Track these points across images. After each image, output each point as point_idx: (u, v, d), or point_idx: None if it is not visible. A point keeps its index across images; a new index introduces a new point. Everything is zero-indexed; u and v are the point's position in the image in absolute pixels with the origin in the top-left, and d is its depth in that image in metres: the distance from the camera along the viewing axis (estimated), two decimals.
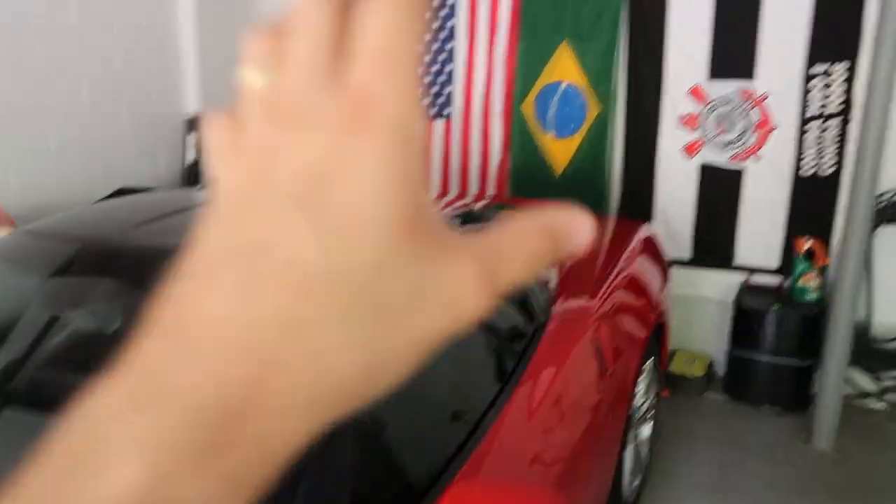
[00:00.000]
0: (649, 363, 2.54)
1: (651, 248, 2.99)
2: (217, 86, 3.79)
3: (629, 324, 2.51)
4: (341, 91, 0.20)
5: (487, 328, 1.73)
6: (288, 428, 0.20)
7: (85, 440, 0.19)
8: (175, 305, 0.21)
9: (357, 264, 0.20)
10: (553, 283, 2.32)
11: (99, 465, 0.19)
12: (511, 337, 1.90)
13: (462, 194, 3.88)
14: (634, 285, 2.69)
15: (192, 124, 3.76)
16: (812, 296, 3.04)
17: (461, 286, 0.22)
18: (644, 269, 2.86)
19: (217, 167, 0.22)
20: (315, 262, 0.20)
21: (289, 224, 0.20)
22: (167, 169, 3.75)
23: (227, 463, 0.19)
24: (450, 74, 3.96)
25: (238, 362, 0.20)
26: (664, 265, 2.99)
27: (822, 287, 3.03)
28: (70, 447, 0.19)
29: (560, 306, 2.24)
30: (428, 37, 0.23)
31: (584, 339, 2.15)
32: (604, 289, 2.48)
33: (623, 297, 2.56)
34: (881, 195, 2.84)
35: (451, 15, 3.89)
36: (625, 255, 2.77)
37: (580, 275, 2.56)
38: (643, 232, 3.01)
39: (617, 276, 2.61)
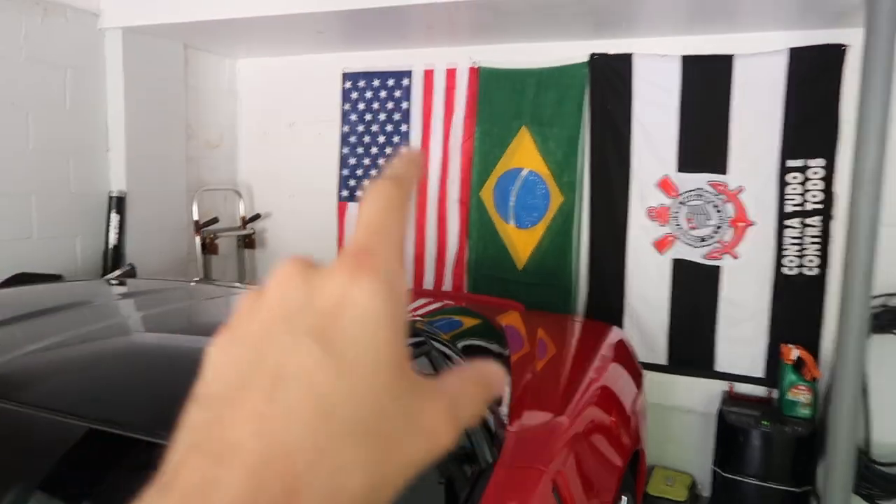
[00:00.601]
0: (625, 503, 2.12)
1: (623, 354, 2.64)
2: (142, 164, 3.45)
3: (602, 452, 2.11)
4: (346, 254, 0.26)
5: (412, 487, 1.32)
6: None
7: None
8: (204, 429, 0.23)
9: (366, 390, 0.23)
10: (505, 402, 1.92)
11: None
12: (447, 488, 1.48)
13: (415, 290, 3.53)
14: (607, 400, 2.31)
15: (117, 203, 3.38)
16: (803, 411, 2.69)
17: (436, 420, 0.25)
18: (617, 379, 2.50)
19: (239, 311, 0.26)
20: (333, 386, 0.23)
21: (307, 354, 0.23)
22: (86, 251, 3.34)
23: None
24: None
25: (267, 490, 0.21)
26: (638, 375, 2.63)
27: (815, 402, 2.70)
28: None
29: (517, 427, 1.85)
30: (409, 214, 0.28)
31: (544, 482, 1.74)
32: (573, 404, 2.10)
33: (595, 415, 2.18)
34: (873, 298, 2.55)
35: (405, 97, 3.65)
36: (595, 364, 2.41)
37: (542, 388, 2.19)
38: (613, 336, 2.67)
39: (587, 388, 2.24)
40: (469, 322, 2.41)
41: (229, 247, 4.13)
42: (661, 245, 3.11)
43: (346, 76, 3.81)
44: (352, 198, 3.85)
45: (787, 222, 2.84)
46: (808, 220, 2.80)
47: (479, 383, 0.27)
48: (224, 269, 4.16)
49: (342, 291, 0.24)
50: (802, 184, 2.79)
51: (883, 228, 2.25)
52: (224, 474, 0.21)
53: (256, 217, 4.11)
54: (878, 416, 2.71)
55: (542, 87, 3.29)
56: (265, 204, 4.19)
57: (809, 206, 2.79)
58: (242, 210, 4.10)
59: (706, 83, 2.93)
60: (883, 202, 2.23)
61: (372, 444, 0.22)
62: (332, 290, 0.24)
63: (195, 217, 3.73)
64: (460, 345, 2.01)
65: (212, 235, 3.75)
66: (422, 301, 2.54)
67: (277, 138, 4.09)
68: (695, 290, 3.06)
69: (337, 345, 0.23)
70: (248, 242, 4.07)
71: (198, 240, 3.73)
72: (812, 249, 2.81)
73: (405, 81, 3.65)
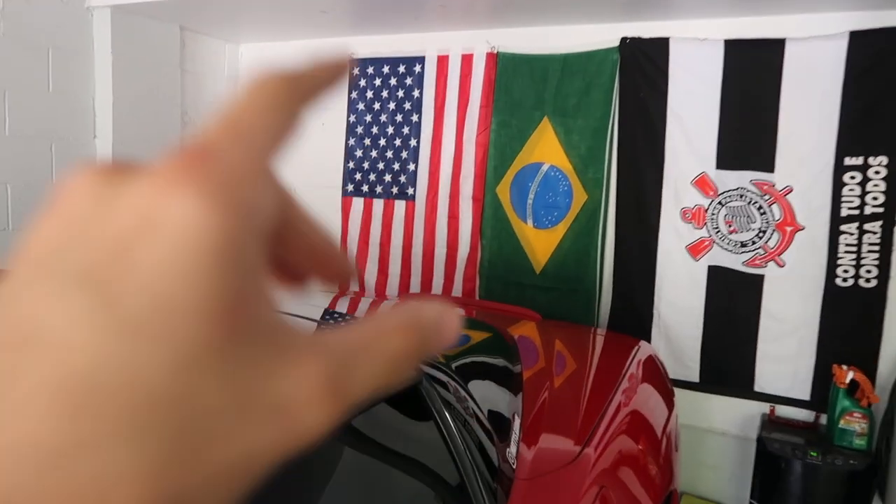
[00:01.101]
0: None
1: (654, 373, 2.34)
2: (132, 153, 3.20)
3: (634, 495, 1.81)
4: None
5: None
6: None
7: None
8: None
9: (155, 366, 0.15)
10: (514, 440, 1.64)
11: None
12: None
13: (421, 296, 3.26)
14: (638, 429, 2.02)
15: None
16: (858, 442, 2.38)
17: (297, 392, 0.17)
18: (649, 403, 2.21)
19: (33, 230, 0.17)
20: (94, 364, 0.14)
21: (66, 308, 0.15)
22: None
23: None
24: (414, 151, 3.41)
25: None
26: (670, 398, 2.33)
27: (871, 431, 2.38)
28: None
29: (531, 461, 1.58)
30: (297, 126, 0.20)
31: None
32: (599, 434, 1.82)
33: (625, 447, 1.89)
34: None
35: (416, 85, 3.37)
36: (623, 384, 2.12)
37: (562, 413, 1.91)
38: (643, 352, 2.37)
39: (615, 414, 1.95)
40: (476, 336, 2.13)
41: None
42: (695, 250, 2.81)
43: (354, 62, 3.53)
44: (358, 192, 3.58)
45: (843, 227, 2.52)
46: (867, 226, 2.48)
47: (406, 330, 0.19)
48: None
49: (147, 208, 0.16)
50: (861, 184, 2.48)
51: None
52: None
53: None
54: None
55: (566, 74, 2.99)
56: None
57: (869, 210, 2.47)
58: None
59: (752, 70, 2.61)
60: None
61: (167, 441, 0.15)
62: (131, 207, 0.16)
63: None
64: (461, 363, 1.73)
65: None
66: None
67: None
68: (733, 300, 2.75)
69: (116, 291, 0.15)
70: None
71: None
72: (870, 258, 2.49)
73: (417, 68, 3.36)
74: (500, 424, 1.65)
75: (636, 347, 2.33)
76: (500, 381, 1.87)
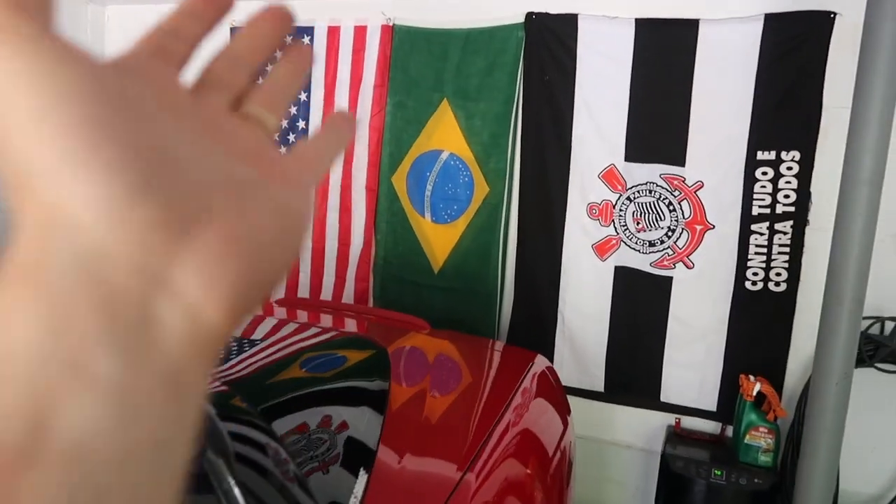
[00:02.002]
0: None
1: (548, 387, 2.10)
2: None
3: None
4: None
5: None
6: None
7: None
8: None
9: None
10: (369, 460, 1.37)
11: None
12: None
13: (293, 299, 2.92)
14: (529, 448, 1.78)
15: None
16: (764, 458, 2.22)
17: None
18: (542, 419, 1.97)
19: None
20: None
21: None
22: None
23: None
24: (303, 134, 3.04)
25: None
26: (565, 412, 2.10)
27: (776, 447, 2.22)
28: None
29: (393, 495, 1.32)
30: None
31: None
32: (484, 457, 1.57)
33: (513, 471, 1.66)
34: None
35: None
36: (515, 401, 1.87)
37: (442, 433, 1.66)
38: (538, 365, 2.12)
39: (504, 433, 1.71)
40: (338, 352, 1.82)
41: None
42: (602, 249, 2.59)
43: (234, 31, 3.11)
44: None
45: (754, 227, 2.34)
46: (778, 226, 2.31)
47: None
48: None
49: None
50: (773, 181, 2.30)
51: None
52: None
53: None
54: (849, 463, 2.26)
55: (468, 51, 2.70)
56: None
57: (780, 209, 2.30)
58: None
59: (664, 53, 2.40)
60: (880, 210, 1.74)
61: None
62: None
63: None
64: (301, 392, 1.42)
65: None
66: (288, 329, 1.91)
67: None
68: (640, 303, 2.55)
69: None
70: None
71: None
72: (780, 261, 2.33)
73: (305, 39, 2.99)
74: (348, 459, 1.36)
75: (531, 362, 2.07)
76: (355, 403, 1.57)
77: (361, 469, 1.36)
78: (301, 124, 3.04)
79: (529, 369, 2.04)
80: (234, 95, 0.25)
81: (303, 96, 3.02)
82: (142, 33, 0.23)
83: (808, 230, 2.27)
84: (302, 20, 2.98)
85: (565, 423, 2.05)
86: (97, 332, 0.17)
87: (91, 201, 0.17)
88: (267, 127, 0.25)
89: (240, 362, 1.57)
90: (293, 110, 3.04)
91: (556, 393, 2.09)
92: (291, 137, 3.06)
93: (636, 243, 2.53)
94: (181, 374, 0.18)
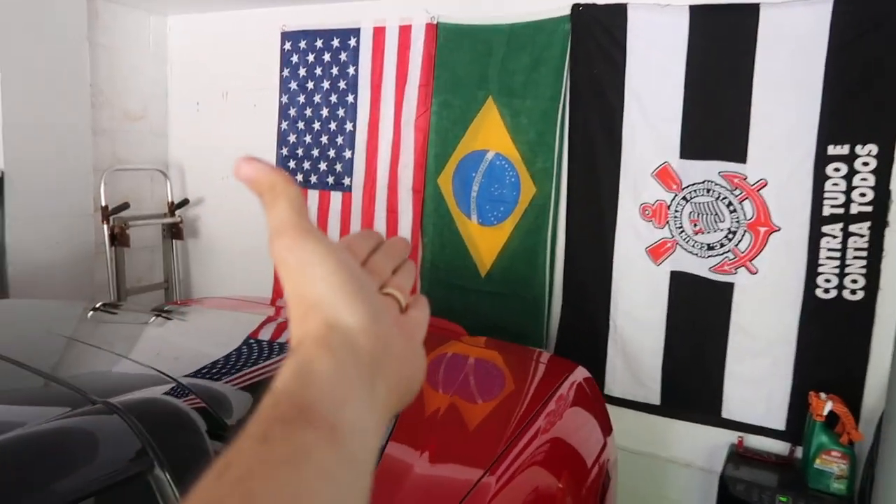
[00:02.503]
0: None
1: (588, 397, 1.97)
2: (28, 136, 2.84)
3: None
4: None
5: None
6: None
7: None
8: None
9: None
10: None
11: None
12: None
13: None
14: (560, 457, 1.69)
15: None
16: (837, 486, 2.00)
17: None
18: (579, 430, 1.86)
19: None
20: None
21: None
22: None
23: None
24: (350, 136, 3.03)
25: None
26: (607, 424, 1.96)
27: (851, 473, 2.00)
28: None
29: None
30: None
31: None
32: (508, 461, 1.50)
33: (539, 478, 1.57)
34: None
35: (351, 61, 2.99)
36: (549, 407, 1.76)
37: (461, 438, 1.60)
38: (577, 374, 2.00)
39: (530, 441, 1.62)
40: None
41: (155, 238, 3.53)
42: (656, 252, 2.42)
43: (286, 36, 3.14)
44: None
45: (825, 229, 2.12)
46: (853, 227, 2.08)
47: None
48: (151, 263, 3.56)
49: None
50: (846, 178, 2.07)
51: None
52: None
53: (184, 203, 3.49)
54: None
55: (512, 47, 2.59)
56: (198, 187, 3.57)
57: (855, 209, 2.07)
58: (170, 194, 3.48)
59: (722, 42, 2.21)
60: None
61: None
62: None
63: (103, 202, 3.12)
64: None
65: (122, 224, 3.14)
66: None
67: (211, 110, 3.46)
68: (698, 311, 2.37)
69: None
70: (174, 232, 3.46)
71: (106, 229, 3.13)
72: (857, 266, 2.10)
73: (352, 41, 2.98)
74: None
75: (570, 372, 1.96)
76: None
77: None
78: (349, 126, 3.02)
79: (566, 379, 1.93)
80: (382, 281, 0.38)
81: (350, 98, 3.00)
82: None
83: (887, 232, 2.03)
84: (348, 22, 2.97)
85: (605, 437, 1.93)
86: (354, 372, 0.30)
87: (356, 318, 0.31)
88: (400, 304, 0.38)
89: (266, 364, 1.55)
90: (341, 112, 3.04)
91: (595, 406, 1.96)
92: (339, 140, 3.05)
93: (693, 246, 2.35)
94: (381, 413, 0.32)
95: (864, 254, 2.08)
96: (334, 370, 0.29)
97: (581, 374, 1.98)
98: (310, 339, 0.31)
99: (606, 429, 1.95)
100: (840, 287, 2.12)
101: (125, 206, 3.16)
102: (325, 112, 3.09)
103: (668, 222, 2.38)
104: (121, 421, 0.93)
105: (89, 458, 0.87)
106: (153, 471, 0.85)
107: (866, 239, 2.07)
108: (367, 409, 0.30)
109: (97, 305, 2.04)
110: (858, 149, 2.04)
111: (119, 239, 3.14)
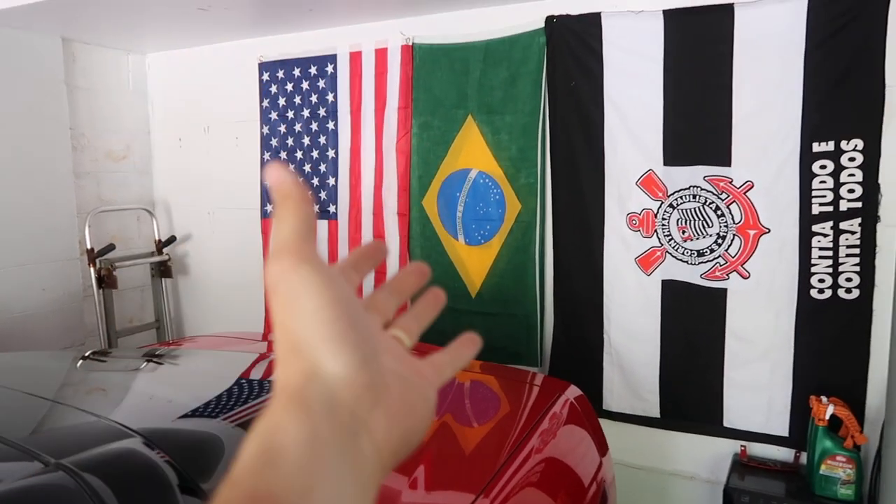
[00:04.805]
0: None
1: (582, 415, 1.92)
2: (6, 180, 2.82)
3: None
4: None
5: None
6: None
7: None
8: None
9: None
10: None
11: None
12: None
13: None
14: (555, 477, 1.63)
15: None
16: (844, 491, 1.94)
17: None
18: (575, 449, 1.80)
19: None
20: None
21: None
22: None
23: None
24: (333, 163, 3.01)
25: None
26: (602, 442, 1.91)
27: (859, 477, 1.94)
28: None
29: None
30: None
31: None
32: (501, 482, 1.44)
33: (534, 499, 1.51)
34: None
35: (330, 88, 2.97)
36: (542, 426, 1.71)
37: (459, 460, 1.55)
38: (570, 393, 1.95)
39: (524, 461, 1.56)
40: None
41: (144, 277, 3.50)
42: (646, 262, 2.38)
43: (263, 66, 3.13)
44: None
45: (815, 228, 2.08)
46: (844, 225, 2.04)
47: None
48: (141, 302, 3.53)
49: None
50: (834, 175, 2.04)
51: None
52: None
53: (172, 240, 3.46)
54: None
55: (489, 63, 2.57)
56: (185, 223, 3.54)
57: (844, 206, 2.03)
58: (157, 232, 3.46)
59: (698, 45, 2.19)
60: None
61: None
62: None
63: (88, 245, 3.09)
64: None
65: (109, 266, 3.11)
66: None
67: (194, 146, 3.45)
68: (692, 319, 2.32)
69: None
70: (163, 270, 3.43)
71: (92, 272, 3.10)
72: (850, 264, 2.05)
73: (329, 68, 2.96)
74: None
75: (563, 389, 1.91)
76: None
77: None
78: (331, 153, 3.00)
79: (559, 397, 1.88)
80: (386, 319, 0.37)
81: (330, 124, 2.99)
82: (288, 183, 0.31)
83: (879, 227, 1.99)
84: (324, 49, 2.96)
85: (600, 455, 1.88)
86: (330, 439, 0.27)
87: (339, 366, 0.29)
88: (405, 345, 0.36)
89: (252, 405, 1.51)
90: (323, 140, 3.02)
91: (589, 423, 1.91)
92: (322, 167, 3.03)
93: (683, 254, 2.31)
94: (369, 479, 0.29)
95: (857, 251, 2.03)
96: (304, 440, 0.26)
97: (573, 392, 1.92)
98: (286, 393, 0.28)
99: (602, 446, 1.89)
100: (835, 286, 2.08)
101: (111, 247, 3.13)
102: (306, 140, 3.07)
103: (655, 231, 2.34)
104: (74, 482, 0.89)
105: None
106: None
107: (858, 235, 2.02)
108: (345, 484, 0.27)
109: (86, 354, 2.00)
110: (844, 144, 2.00)
111: (106, 281, 3.11)
